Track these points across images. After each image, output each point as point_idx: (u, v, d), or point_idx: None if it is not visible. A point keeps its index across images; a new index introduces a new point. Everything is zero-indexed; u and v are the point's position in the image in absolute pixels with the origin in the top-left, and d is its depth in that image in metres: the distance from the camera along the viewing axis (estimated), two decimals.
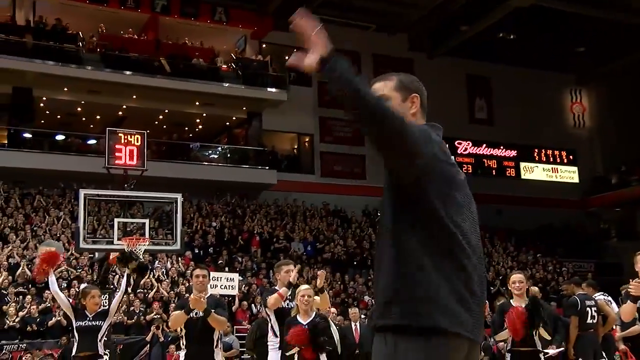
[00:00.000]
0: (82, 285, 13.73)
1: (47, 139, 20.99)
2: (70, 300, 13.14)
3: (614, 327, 9.11)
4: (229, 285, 12.60)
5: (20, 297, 13.68)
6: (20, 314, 13.16)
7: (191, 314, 5.61)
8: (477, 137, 27.49)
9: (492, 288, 19.13)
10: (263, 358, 9.09)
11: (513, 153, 28.26)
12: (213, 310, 5.59)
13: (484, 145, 27.76)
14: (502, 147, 28.00)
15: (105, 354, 6.45)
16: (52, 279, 6.53)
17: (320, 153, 24.56)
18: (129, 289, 12.93)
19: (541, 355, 6.30)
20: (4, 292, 13.73)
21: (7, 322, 12.95)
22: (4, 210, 17.44)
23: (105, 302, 12.75)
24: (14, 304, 13.29)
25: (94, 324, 6.26)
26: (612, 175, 28.46)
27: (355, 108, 2.08)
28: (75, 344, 6.29)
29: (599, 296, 8.88)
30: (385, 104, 2.09)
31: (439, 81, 26.20)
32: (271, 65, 23.79)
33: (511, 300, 6.39)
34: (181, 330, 5.73)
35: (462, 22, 25.12)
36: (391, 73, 2.51)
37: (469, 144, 27.46)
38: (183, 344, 5.77)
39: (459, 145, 27.31)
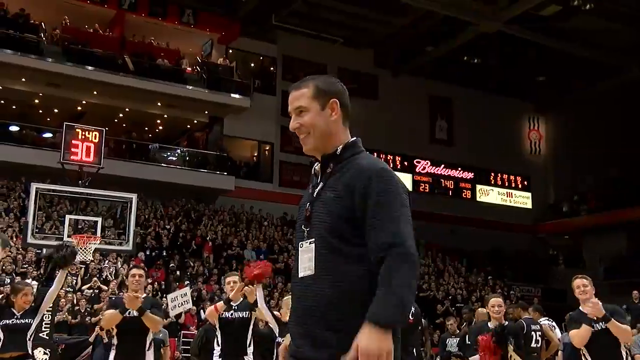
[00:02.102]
0: (28, 282, 13.48)
1: (1, 129, 20.52)
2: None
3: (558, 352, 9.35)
4: (185, 301, 12.56)
5: None
6: None
7: (125, 314, 5.53)
8: (436, 156, 27.90)
9: (440, 307, 19.39)
10: None
11: (470, 175, 28.74)
12: (148, 310, 5.53)
13: (443, 165, 28.17)
14: (459, 169, 28.45)
15: (45, 353, 6.21)
16: None
17: (279, 162, 24.61)
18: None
19: None
20: None
21: None
22: None
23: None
24: None
25: (22, 322, 5.92)
26: (563, 203, 29.23)
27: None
28: (0, 344, 5.86)
29: (544, 321, 9.11)
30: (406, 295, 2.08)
31: (402, 99, 26.67)
32: (236, 71, 23.80)
33: (489, 323, 6.47)
34: (113, 329, 5.65)
35: (428, 43, 25.57)
36: (308, 78, 2.35)
37: (427, 163, 27.84)
38: (114, 343, 5.67)
39: (417, 164, 27.66)
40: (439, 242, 25.62)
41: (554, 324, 9.67)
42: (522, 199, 29.76)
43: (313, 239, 2.20)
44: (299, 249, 2.26)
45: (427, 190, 27.77)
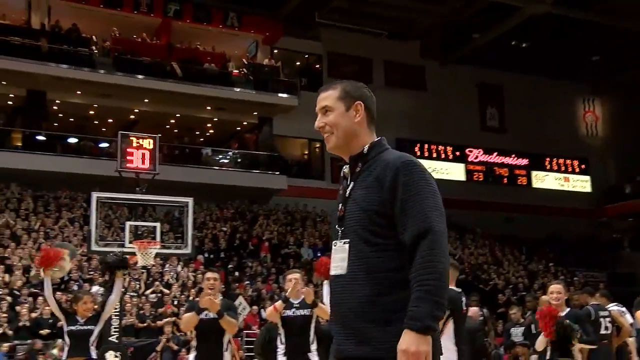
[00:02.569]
0: (94, 289, 13.98)
1: (60, 142, 21.26)
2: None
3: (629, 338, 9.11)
4: (242, 309, 12.95)
5: (32, 298, 13.90)
6: (33, 315, 13.37)
7: (202, 316, 5.71)
8: (488, 145, 27.55)
9: (502, 296, 19.18)
10: None
11: (524, 161, 28.29)
12: (225, 313, 5.70)
13: (495, 153, 27.81)
14: (513, 155, 28.04)
15: (116, 356, 6.42)
16: (46, 282, 6.33)
17: (330, 159, 24.70)
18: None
19: None
20: (17, 292, 13.95)
21: (20, 322, 13.15)
22: (17, 212, 17.69)
23: (117, 305, 12.99)
24: (26, 305, 13.50)
25: (86, 328, 6.22)
26: (625, 185, 28.42)
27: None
28: (66, 349, 6.24)
29: (614, 307, 8.86)
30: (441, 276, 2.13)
31: (450, 89, 26.40)
32: (282, 71, 23.99)
33: None
34: (191, 332, 5.84)
35: (474, 30, 25.24)
36: (337, 82, 2.47)
37: (480, 151, 27.52)
38: (193, 345, 5.87)
39: (469, 153, 27.37)
40: (495, 231, 25.31)
41: (624, 309, 9.40)
42: (581, 183, 29.09)
43: (347, 239, 2.28)
44: (333, 248, 2.35)
45: (481, 179, 27.47)
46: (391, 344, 2.10)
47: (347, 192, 2.35)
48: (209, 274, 6.01)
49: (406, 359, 2.05)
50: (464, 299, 6.35)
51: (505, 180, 27.94)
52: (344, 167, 2.46)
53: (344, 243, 2.29)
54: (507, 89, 28.29)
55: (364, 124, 2.41)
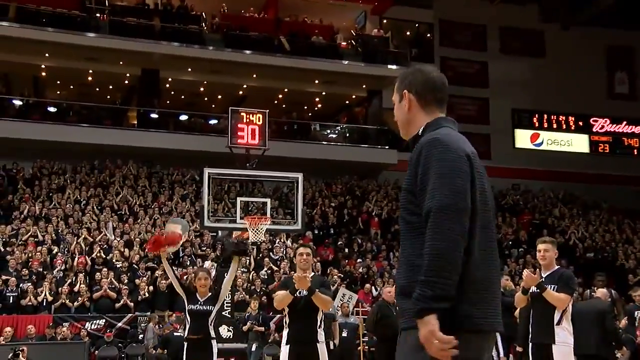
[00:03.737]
0: (206, 264, 14.54)
1: (173, 119, 22.15)
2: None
3: None
4: (349, 298, 13.11)
5: (149, 272, 14.66)
6: (151, 288, 14.11)
7: (296, 294, 5.66)
8: (616, 113, 26.10)
9: (632, 277, 18.18)
10: (383, 339, 9.31)
11: None
12: (317, 290, 5.63)
13: (625, 122, 26.29)
14: None
15: (229, 330, 6.69)
16: (165, 263, 6.73)
17: None
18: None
19: None
20: (136, 267, 14.77)
21: (140, 295, 13.93)
22: (135, 189, 18.67)
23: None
24: (144, 279, 14.27)
25: (205, 308, 6.53)
26: None
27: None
28: (187, 326, 6.63)
29: None
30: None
31: (573, 54, 25.13)
32: (392, 42, 23.67)
33: None
34: (285, 309, 5.81)
35: None
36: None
37: (606, 121, 26.17)
38: (286, 322, 5.84)
39: (594, 123, 26.10)
40: (623, 206, 23.97)
41: None
42: None
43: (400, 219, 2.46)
44: None
45: (608, 151, 26.14)
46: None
47: None
48: (301, 249, 5.96)
49: (427, 347, 2.17)
50: None
51: (635, 151, 26.36)
52: None
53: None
54: (638, 50, 26.51)
55: (417, 110, 2.52)
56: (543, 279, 5.80)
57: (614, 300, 11.97)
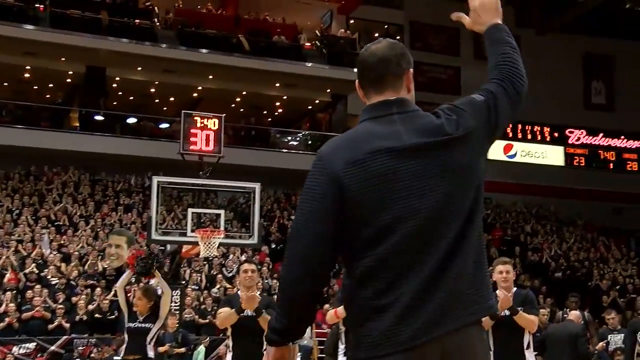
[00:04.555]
0: (152, 281, 14.22)
1: (119, 122, 21.79)
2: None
3: None
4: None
5: (89, 289, 14.27)
6: (90, 307, 13.73)
7: (242, 314, 5.62)
8: (593, 124, 26.54)
9: (606, 297, 18.41)
10: None
11: (636, 144, 27.07)
12: (264, 311, 5.59)
13: (601, 134, 26.76)
14: (622, 137, 26.92)
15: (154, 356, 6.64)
16: (126, 276, 6.85)
17: None
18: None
19: None
20: (74, 283, 14.37)
21: (78, 315, 13.53)
22: (74, 198, 18.24)
23: (177, 299, 13.19)
24: (84, 297, 13.87)
25: (144, 325, 6.54)
26: None
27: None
28: (124, 345, 6.67)
29: None
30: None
31: (550, 61, 25.43)
32: (359, 43, 23.69)
33: None
34: (227, 329, 5.77)
35: None
36: None
37: (582, 132, 26.60)
38: (229, 345, 5.80)
39: (570, 134, 26.50)
40: (599, 223, 24.34)
41: None
42: None
43: None
44: None
45: (583, 164, 26.61)
46: None
47: None
48: (245, 266, 5.89)
49: None
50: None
51: (611, 165, 26.87)
52: None
53: None
54: (618, 59, 27.04)
55: (364, 96, 2.30)
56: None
57: (587, 323, 12.09)
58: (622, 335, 10.15)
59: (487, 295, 2.13)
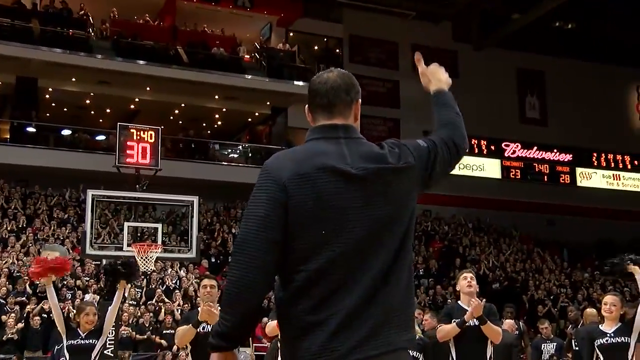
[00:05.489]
0: (86, 297, 13.94)
1: (53, 134, 21.30)
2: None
3: None
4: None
5: (18, 307, 13.87)
6: (20, 325, 13.34)
7: (199, 329, 5.54)
8: (527, 138, 27.23)
9: (542, 307, 18.91)
10: None
11: (568, 157, 27.91)
12: None
13: (535, 147, 27.48)
14: (555, 150, 27.69)
15: None
16: (51, 290, 6.39)
17: None
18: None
19: None
20: (3, 301, 13.93)
21: (7, 334, 13.12)
22: (4, 212, 17.74)
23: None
24: (13, 315, 13.47)
25: (87, 342, 6.25)
26: None
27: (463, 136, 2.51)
28: None
29: None
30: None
31: (486, 75, 26.11)
32: (299, 56, 23.85)
33: (600, 326, 6.18)
34: (186, 347, 5.70)
35: (514, 10, 24.91)
36: None
37: (517, 145, 27.22)
38: None
39: (506, 147, 27.10)
40: (534, 234, 25.00)
41: None
42: (634, 182, 28.62)
43: None
44: None
45: (519, 177, 27.20)
46: None
47: None
48: (205, 281, 5.93)
49: None
50: None
51: (545, 178, 27.60)
52: None
53: None
54: (549, 75, 27.90)
55: (312, 120, 2.44)
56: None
57: (521, 333, 12.37)
58: (555, 344, 10.39)
59: (412, 324, 2.27)
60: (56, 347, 10.87)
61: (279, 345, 6.54)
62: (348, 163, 2.18)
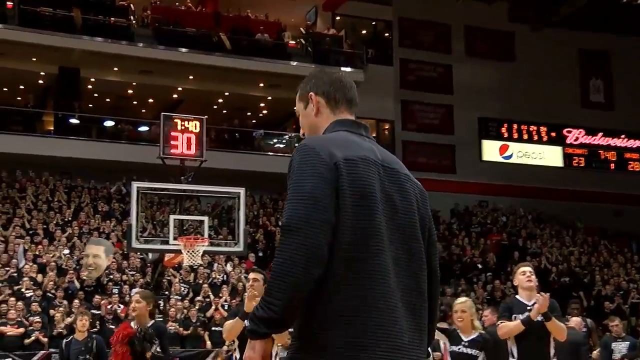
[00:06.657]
0: (134, 291, 14.32)
1: (96, 125, 21.85)
2: (120, 310, 13.66)
3: None
4: None
5: (67, 301, 14.33)
6: (68, 320, 13.79)
7: (247, 323, 5.53)
8: (591, 124, 26.83)
9: (609, 304, 18.70)
10: None
11: (637, 143, 27.43)
12: None
13: (600, 133, 27.08)
14: (623, 136, 27.24)
15: None
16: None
17: (402, 142, 24.54)
18: None
19: None
20: (52, 295, 14.42)
21: (56, 328, 13.58)
22: (50, 205, 18.31)
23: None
24: (61, 309, 13.92)
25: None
26: None
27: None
28: None
29: None
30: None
31: (545, 58, 25.77)
32: (346, 41, 23.93)
33: None
34: (234, 342, 5.83)
35: None
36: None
37: (581, 132, 26.85)
38: (236, 357, 5.81)
39: (568, 134, 26.75)
40: (600, 225, 24.66)
41: None
42: None
43: None
44: None
45: (583, 165, 26.84)
46: None
47: None
48: (251, 275, 6.10)
49: None
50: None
51: (612, 165, 27.18)
52: None
53: None
54: (616, 56, 27.42)
55: (327, 113, 2.50)
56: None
57: (589, 331, 12.29)
58: (627, 343, 10.28)
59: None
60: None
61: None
62: (379, 158, 2.33)
